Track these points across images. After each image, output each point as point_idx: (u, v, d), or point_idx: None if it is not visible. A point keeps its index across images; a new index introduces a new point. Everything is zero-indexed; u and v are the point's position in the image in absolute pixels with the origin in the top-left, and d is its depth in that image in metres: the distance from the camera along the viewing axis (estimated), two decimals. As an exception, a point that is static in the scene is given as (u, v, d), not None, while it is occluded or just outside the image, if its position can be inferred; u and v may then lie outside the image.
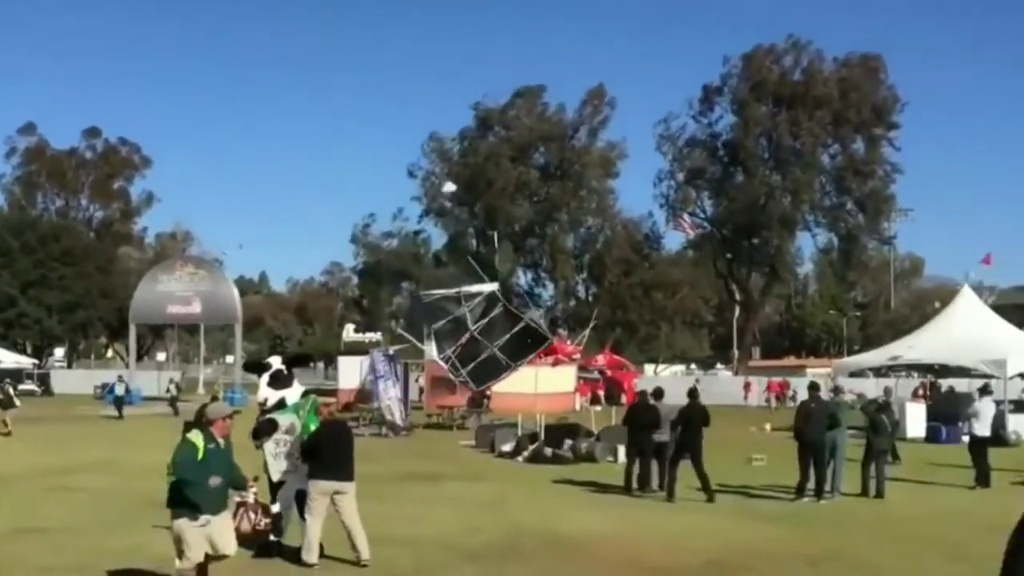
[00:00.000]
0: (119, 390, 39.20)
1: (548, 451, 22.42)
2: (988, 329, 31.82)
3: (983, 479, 18.23)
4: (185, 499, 8.52)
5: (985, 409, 19.42)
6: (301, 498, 10.68)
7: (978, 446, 18.82)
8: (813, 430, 16.01)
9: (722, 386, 57.35)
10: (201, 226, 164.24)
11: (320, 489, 10.40)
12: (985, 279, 75.41)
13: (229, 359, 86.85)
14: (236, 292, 59.80)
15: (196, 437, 8.74)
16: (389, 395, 31.54)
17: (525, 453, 22.75)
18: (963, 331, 31.25)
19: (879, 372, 48.08)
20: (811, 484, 16.04)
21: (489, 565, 10.74)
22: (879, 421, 17.31)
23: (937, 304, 62.19)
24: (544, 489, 17.45)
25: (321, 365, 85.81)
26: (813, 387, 17.15)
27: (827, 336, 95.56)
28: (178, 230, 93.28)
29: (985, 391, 20.68)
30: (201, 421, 9.32)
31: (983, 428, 19.06)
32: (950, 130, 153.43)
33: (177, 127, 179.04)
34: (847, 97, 72.86)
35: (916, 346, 34.11)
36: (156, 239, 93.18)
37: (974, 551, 11.86)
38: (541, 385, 42.38)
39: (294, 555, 10.53)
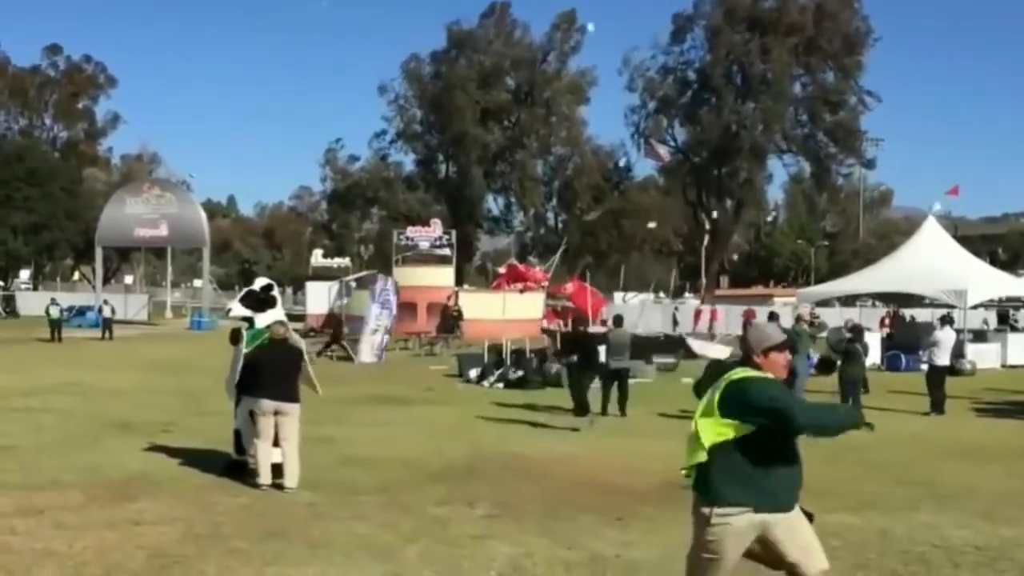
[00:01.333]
0: (54, 312, 38.87)
1: (514, 376, 22.62)
2: (951, 260, 32.23)
3: (938, 406, 18.56)
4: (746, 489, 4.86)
5: (945, 338, 19.59)
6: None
7: (936, 375, 19.08)
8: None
9: (690, 314, 57.72)
10: (168, 148, 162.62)
11: (260, 408, 10.33)
12: (953, 210, 76.02)
13: (197, 283, 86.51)
14: (203, 215, 59.48)
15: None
16: (382, 323, 31.45)
17: (491, 378, 22.94)
18: (926, 261, 31.60)
19: (845, 302, 48.65)
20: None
21: (452, 484, 10.91)
22: (853, 350, 17.10)
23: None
24: (508, 413, 17.65)
25: (290, 291, 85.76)
26: (772, 317, 17.38)
27: (795, 265, 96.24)
28: (145, 152, 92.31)
29: (946, 321, 20.88)
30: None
31: (943, 357, 19.26)
32: (924, 61, 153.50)
33: (144, 47, 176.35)
34: (821, 25, 72.54)
35: (880, 276, 34.50)
36: (122, 161, 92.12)
37: (923, 475, 12.18)
38: (509, 311, 43.08)
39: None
